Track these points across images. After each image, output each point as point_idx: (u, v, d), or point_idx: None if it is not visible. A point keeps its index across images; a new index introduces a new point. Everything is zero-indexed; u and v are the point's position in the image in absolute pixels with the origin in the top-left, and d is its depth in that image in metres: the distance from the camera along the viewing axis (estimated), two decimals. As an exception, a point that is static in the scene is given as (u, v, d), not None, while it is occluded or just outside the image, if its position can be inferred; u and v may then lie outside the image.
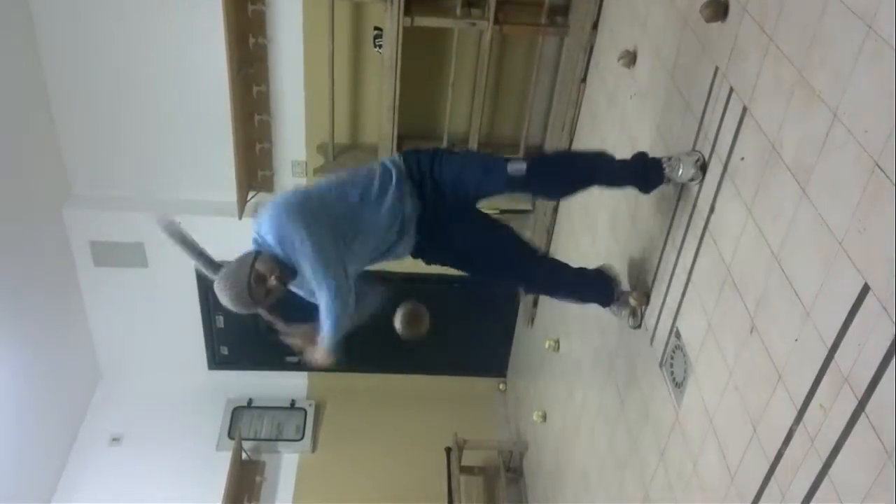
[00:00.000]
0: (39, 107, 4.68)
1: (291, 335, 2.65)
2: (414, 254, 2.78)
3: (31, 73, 4.54)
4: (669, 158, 2.63)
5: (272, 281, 2.44)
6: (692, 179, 2.55)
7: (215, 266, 2.55)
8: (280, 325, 2.63)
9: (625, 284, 3.14)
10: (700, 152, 2.53)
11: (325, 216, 2.48)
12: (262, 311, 2.55)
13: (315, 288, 2.48)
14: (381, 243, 2.63)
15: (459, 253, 2.85)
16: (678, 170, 2.57)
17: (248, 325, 5.02)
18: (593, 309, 3.17)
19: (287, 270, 2.49)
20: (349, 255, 2.53)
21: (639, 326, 3.04)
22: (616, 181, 2.83)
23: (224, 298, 2.44)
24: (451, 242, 2.80)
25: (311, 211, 2.46)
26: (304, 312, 2.65)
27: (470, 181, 2.68)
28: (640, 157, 2.74)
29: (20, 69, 4.47)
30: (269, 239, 2.48)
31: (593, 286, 3.10)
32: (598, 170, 2.79)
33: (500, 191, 2.74)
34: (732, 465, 2.23)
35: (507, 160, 2.65)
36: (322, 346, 2.54)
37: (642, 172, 2.70)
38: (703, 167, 2.51)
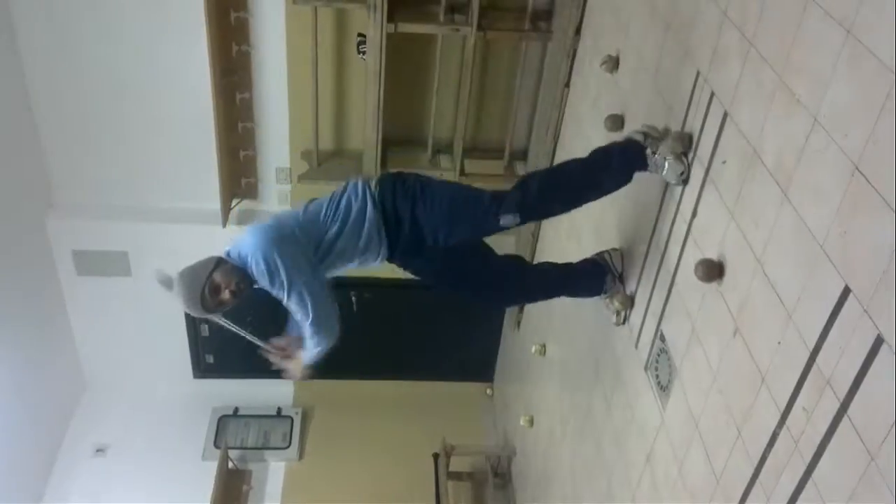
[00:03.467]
0: (22, 115, 4.64)
1: (269, 349, 2.67)
2: (387, 260, 2.77)
3: (12, 81, 4.50)
4: (654, 152, 2.55)
5: (225, 294, 2.46)
6: (673, 184, 2.56)
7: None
8: (257, 340, 2.67)
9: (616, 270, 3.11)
10: (686, 164, 2.50)
11: (300, 244, 2.50)
12: (214, 317, 2.57)
13: (300, 310, 2.49)
14: (351, 262, 2.66)
15: (433, 273, 2.87)
16: (662, 169, 2.55)
17: (233, 332, 5.00)
18: (579, 312, 3.17)
19: (245, 284, 2.49)
20: (324, 272, 2.58)
21: (622, 324, 3.05)
22: (606, 189, 2.76)
23: (178, 300, 2.47)
24: (425, 265, 2.80)
25: (286, 239, 2.47)
26: (269, 314, 2.68)
27: (455, 233, 2.62)
28: (623, 151, 2.64)
29: (1, 77, 4.43)
30: (250, 264, 2.47)
31: (581, 281, 3.11)
32: (586, 189, 2.73)
33: (489, 235, 2.75)
34: (718, 467, 2.24)
35: (498, 212, 2.55)
36: (304, 360, 2.60)
37: (628, 166, 2.64)
38: (685, 181, 2.52)
